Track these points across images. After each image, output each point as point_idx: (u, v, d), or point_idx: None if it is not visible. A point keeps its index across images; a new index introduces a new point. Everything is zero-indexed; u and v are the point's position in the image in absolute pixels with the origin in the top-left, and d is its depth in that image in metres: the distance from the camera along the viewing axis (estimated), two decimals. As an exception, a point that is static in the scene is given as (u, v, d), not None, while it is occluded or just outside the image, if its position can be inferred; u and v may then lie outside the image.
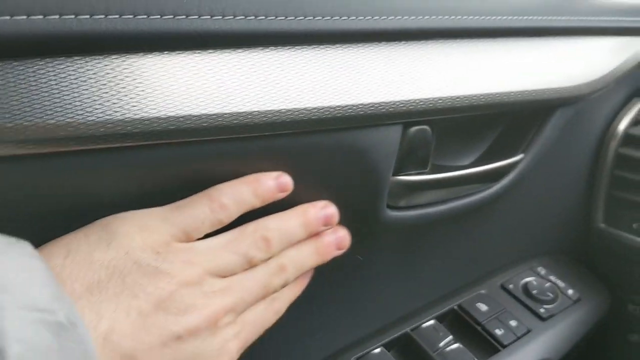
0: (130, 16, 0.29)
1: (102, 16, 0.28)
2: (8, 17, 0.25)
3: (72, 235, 0.29)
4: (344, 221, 0.43)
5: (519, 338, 0.54)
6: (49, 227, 0.29)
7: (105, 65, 0.28)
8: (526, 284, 0.60)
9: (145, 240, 0.30)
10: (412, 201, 0.46)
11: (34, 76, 0.26)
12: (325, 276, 0.46)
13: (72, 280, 0.26)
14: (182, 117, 0.30)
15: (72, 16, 0.27)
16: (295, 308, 0.46)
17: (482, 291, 0.59)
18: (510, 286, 0.60)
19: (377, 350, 0.52)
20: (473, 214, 0.52)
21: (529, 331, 0.55)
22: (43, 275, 0.24)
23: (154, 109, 0.29)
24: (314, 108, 0.35)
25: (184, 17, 0.30)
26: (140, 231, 0.30)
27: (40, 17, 0.26)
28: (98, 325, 0.26)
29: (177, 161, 0.32)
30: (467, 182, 0.48)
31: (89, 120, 0.27)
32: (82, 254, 0.28)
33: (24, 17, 0.26)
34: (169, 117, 0.29)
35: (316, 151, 0.38)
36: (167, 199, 0.33)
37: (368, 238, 0.46)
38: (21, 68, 0.26)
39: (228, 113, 0.31)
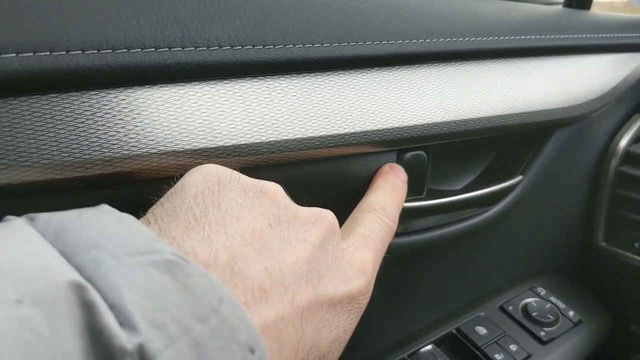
0: (110, 51, 0.28)
1: (80, 52, 0.27)
2: None
3: None
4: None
5: (519, 364, 0.52)
6: None
7: (83, 102, 0.27)
8: (526, 305, 0.59)
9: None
10: (408, 227, 0.45)
11: (7, 116, 0.25)
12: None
13: (167, 232, 0.23)
14: (164, 153, 0.29)
15: (47, 53, 0.26)
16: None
17: (481, 313, 0.57)
18: (510, 308, 0.58)
19: (374, 377, 0.51)
20: (471, 237, 0.51)
21: (529, 356, 0.53)
22: (131, 223, 0.21)
23: (135, 145, 0.28)
24: (305, 139, 0.34)
25: (166, 49, 0.29)
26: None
27: (13, 55, 0.25)
28: (217, 257, 0.22)
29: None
30: (465, 207, 0.47)
31: (66, 161, 0.26)
32: (163, 205, 0.25)
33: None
34: (152, 154, 0.28)
35: (310, 180, 0.37)
36: None
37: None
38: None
39: (214, 147, 0.30)
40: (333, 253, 0.28)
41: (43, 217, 0.20)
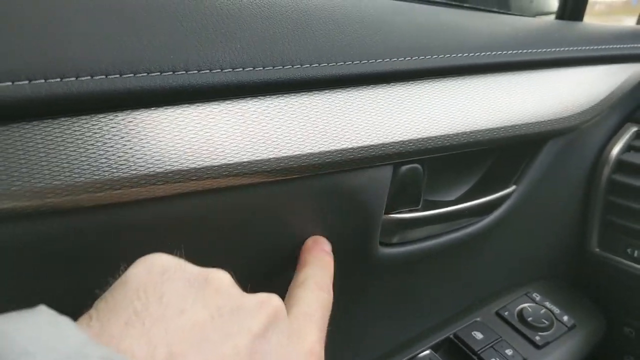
0: (117, 76, 0.29)
1: (88, 77, 0.28)
2: None
3: None
4: (338, 259, 0.43)
5: (514, 368, 0.54)
6: (38, 291, 0.29)
7: (93, 125, 0.29)
8: (521, 310, 0.60)
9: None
10: (404, 237, 0.46)
11: (20, 140, 0.27)
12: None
13: (106, 329, 0.23)
14: (170, 172, 0.30)
15: (58, 79, 0.27)
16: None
17: (478, 319, 0.59)
18: (506, 313, 0.60)
19: (373, 383, 0.52)
20: (466, 245, 0.52)
21: (524, 360, 0.55)
22: (65, 327, 0.21)
23: (142, 166, 0.29)
24: (304, 155, 0.35)
25: (170, 73, 0.31)
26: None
27: (26, 82, 0.27)
28: (154, 355, 0.22)
29: (166, 217, 0.32)
30: (460, 217, 0.49)
31: (78, 182, 0.28)
32: (106, 300, 0.25)
33: (9, 83, 0.26)
34: (158, 173, 0.30)
35: (309, 195, 0.38)
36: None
37: (362, 275, 0.46)
38: (7, 133, 0.26)
39: (217, 165, 0.32)
40: (278, 341, 0.28)
41: None
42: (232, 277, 0.29)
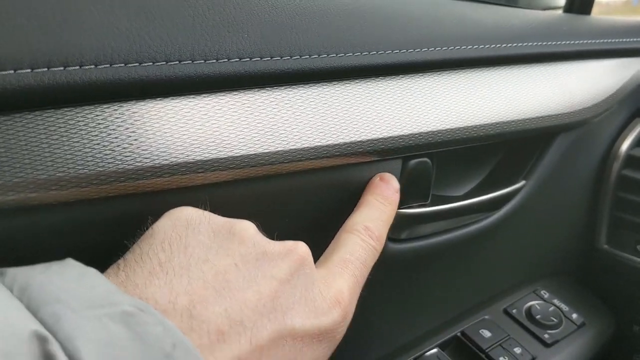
0: (122, 65, 0.28)
1: (92, 66, 0.28)
2: None
3: None
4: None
5: (523, 366, 0.53)
6: None
7: (97, 115, 0.28)
8: (530, 308, 0.59)
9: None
10: (413, 233, 0.45)
11: (23, 130, 0.26)
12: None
13: (131, 279, 0.24)
14: (176, 165, 0.29)
15: (61, 68, 0.27)
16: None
17: (486, 317, 0.58)
18: (514, 311, 0.59)
19: (380, 381, 0.51)
20: (475, 241, 0.51)
21: (533, 358, 0.54)
22: (93, 277, 0.22)
23: (147, 158, 0.29)
24: (313, 147, 0.35)
25: (176, 62, 0.30)
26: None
27: (28, 70, 0.26)
28: (176, 302, 0.23)
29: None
30: (469, 212, 0.48)
31: (81, 173, 0.27)
32: (133, 251, 0.26)
33: (11, 71, 0.25)
34: (163, 166, 0.29)
35: (318, 188, 0.38)
36: None
37: (370, 272, 0.45)
38: (9, 122, 0.26)
39: (223, 158, 0.31)
40: (303, 286, 0.28)
41: (11, 272, 0.22)
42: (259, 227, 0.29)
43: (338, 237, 0.34)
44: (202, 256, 0.25)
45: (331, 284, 0.30)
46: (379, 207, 0.37)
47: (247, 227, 0.28)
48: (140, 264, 0.25)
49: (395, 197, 0.38)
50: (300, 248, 0.29)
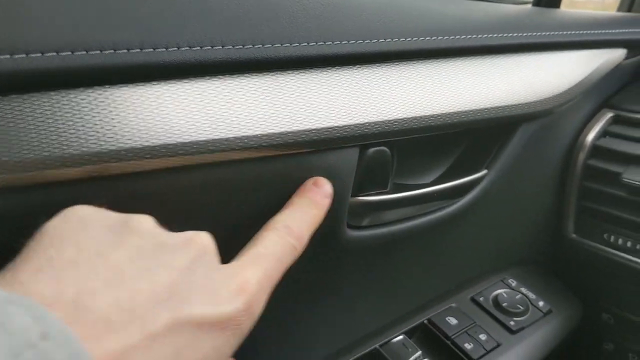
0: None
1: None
2: None
3: None
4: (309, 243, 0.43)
5: (488, 352, 0.54)
6: None
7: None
8: (497, 296, 0.60)
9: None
10: (374, 220, 0.46)
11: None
12: (291, 293, 0.46)
13: (17, 277, 0.23)
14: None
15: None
16: (259, 327, 0.46)
17: (453, 305, 0.59)
18: (481, 299, 0.60)
19: (347, 367, 0.52)
20: (439, 229, 0.52)
21: (498, 345, 0.55)
22: None
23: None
24: (266, 135, 0.35)
25: (125, 51, 0.31)
26: None
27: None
28: (62, 294, 0.22)
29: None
30: (430, 200, 0.49)
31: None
32: (25, 249, 0.25)
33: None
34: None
35: (273, 175, 0.38)
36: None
37: (331, 258, 0.46)
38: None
39: (173, 144, 0.32)
40: (204, 275, 0.27)
41: None
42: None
43: (256, 235, 0.34)
44: (94, 250, 0.25)
45: (238, 274, 0.29)
46: (304, 209, 0.37)
47: (143, 220, 0.28)
48: (27, 261, 0.24)
49: (324, 202, 0.38)
50: (201, 237, 0.29)
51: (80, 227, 0.26)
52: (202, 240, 0.29)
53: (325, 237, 0.43)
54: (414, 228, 0.49)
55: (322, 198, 0.38)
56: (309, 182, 0.39)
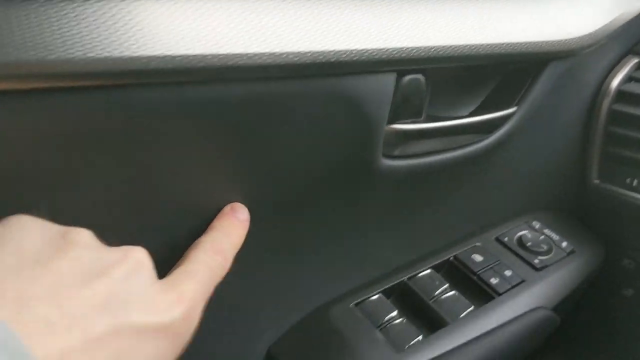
0: None
1: None
2: None
3: None
4: (339, 170, 0.44)
5: (513, 287, 0.55)
6: (45, 162, 0.30)
7: (105, 4, 0.29)
8: (521, 237, 0.62)
9: None
10: (406, 150, 0.47)
11: (35, 14, 0.27)
12: (322, 225, 0.48)
13: None
14: (176, 56, 0.31)
15: None
16: (291, 257, 0.48)
17: (478, 244, 0.60)
18: (505, 239, 0.61)
19: (375, 296, 0.54)
20: (467, 166, 0.53)
21: (523, 281, 0.56)
22: None
23: (148, 48, 0.30)
24: (307, 52, 0.36)
25: None
26: None
27: None
28: (5, 296, 0.23)
29: (164, 103, 0.32)
30: (461, 132, 0.50)
31: (88, 57, 0.28)
32: None
33: None
34: (165, 56, 0.30)
35: (311, 97, 0.39)
36: (156, 141, 0.34)
37: (364, 187, 0.47)
38: (23, 6, 0.27)
39: (216, 54, 0.32)
40: (142, 285, 0.28)
41: None
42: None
43: (186, 253, 0.35)
44: (35, 259, 0.25)
45: (175, 286, 0.30)
46: (225, 231, 0.38)
47: (82, 233, 0.28)
48: None
49: (242, 226, 0.40)
50: (137, 252, 0.29)
51: (21, 236, 0.26)
52: (138, 255, 0.29)
53: (359, 166, 0.45)
54: (444, 162, 0.50)
55: (240, 222, 0.40)
56: (227, 208, 0.40)
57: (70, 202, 0.32)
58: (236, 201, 0.40)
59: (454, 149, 0.50)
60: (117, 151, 0.32)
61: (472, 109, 0.54)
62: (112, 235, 0.30)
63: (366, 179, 0.47)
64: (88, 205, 0.33)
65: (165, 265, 0.33)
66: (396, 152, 0.47)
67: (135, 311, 0.26)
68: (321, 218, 0.47)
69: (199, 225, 0.39)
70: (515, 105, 0.53)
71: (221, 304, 0.44)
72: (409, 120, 0.46)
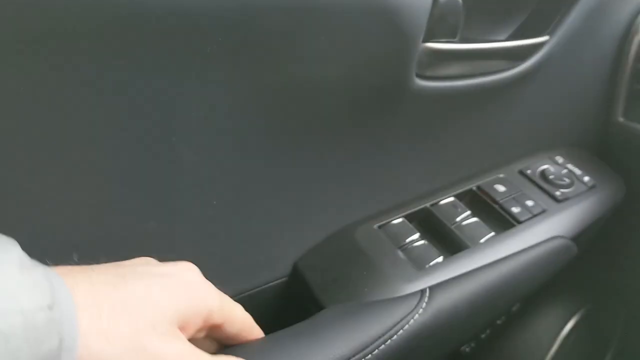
0: None
1: None
2: None
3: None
4: (372, 88, 0.44)
5: (534, 216, 0.56)
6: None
7: None
8: (544, 170, 0.62)
9: None
10: (439, 72, 0.47)
11: None
12: (349, 146, 0.48)
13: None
14: None
15: None
16: (315, 180, 0.48)
17: (501, 175, 0.61)
18: (528, 171, 0.62)
19: (399, 220, 0.55)
20: (496, 95, 0.54)
21: (544, 211, 0.57)
22: None
23: None
24: None
25: None
26: None
27: None
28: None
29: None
30: (494, 57, 0.50)
31: None
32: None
33: None
34: None
35: (348, 7, 0.38)
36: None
37: (395, 108, 0.48)
38: None
39: None
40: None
41: None
42: None
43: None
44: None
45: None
46: None
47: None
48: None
49: None
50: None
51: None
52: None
53: (392, 85, 0.45)
54: (475, 87, 0.50)
55: None
56: None
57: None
58: (265, 117, 0.41)
59: (486, 74, 0.50)
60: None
61: (505, 35, 0.54)
62: None
63: (398, 100, 0.47)
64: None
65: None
66: (429, 73, 0.47)
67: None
68: (349, 139, 0.48)
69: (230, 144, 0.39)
70: (548, 34, 0.53)
71: (250, 219, 0.45)
72: (444, 40, 0.46)
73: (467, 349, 0.67)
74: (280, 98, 0.40)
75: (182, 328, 0.30)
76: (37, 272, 0.23)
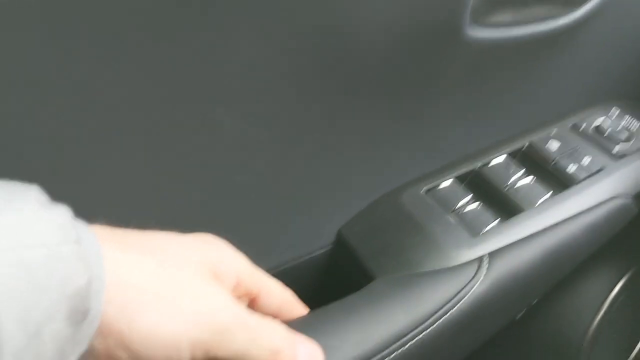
0: None
1: None
2: None
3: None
4: (423, 35, 0.40)
5: (591, 175, 0.52)
6: None
7: None
8: (599, 125, 0.58)
9: None
10: (493, 18, 0.43)
11: None
12: (395, 103, 0.44)
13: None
14: None
15: None
16: (361, 142, 0.45)
17: (553, 131, 0.57)
18: (583, 126, 0.58)
19: (448, 182, 0.51)
20: (549, 43, 0.49)
21: (601, 169, 0.53)
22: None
23: None
24: None
25: None
26: None
27: None
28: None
29: None
30: (548, 2, 0.45)
31: None
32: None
33: None
34: None
35: None
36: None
37: (446, 58, 0.44)
38: None
39: None
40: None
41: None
42: None
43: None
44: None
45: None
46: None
47: None
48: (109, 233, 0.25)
49: None
50: None
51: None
52: None
53: (445, 31, 0.41)
54: (530, 35, 0.46)
55: None
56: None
57: None
58: (306, 71, 0.37)
59: (541, 20, 0.46)
60: None
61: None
62: None
63: (451, 46, 0.43)
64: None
65: None
66: (483, 19, 0.43)
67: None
68: (395, 95, 0.44)
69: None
70: None
71: (294, 185, 0.42)
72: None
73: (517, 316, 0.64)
74: (326, 41, 0.36)
75: (215, 277, 0.27)
76: (59, 209, 0.21)
